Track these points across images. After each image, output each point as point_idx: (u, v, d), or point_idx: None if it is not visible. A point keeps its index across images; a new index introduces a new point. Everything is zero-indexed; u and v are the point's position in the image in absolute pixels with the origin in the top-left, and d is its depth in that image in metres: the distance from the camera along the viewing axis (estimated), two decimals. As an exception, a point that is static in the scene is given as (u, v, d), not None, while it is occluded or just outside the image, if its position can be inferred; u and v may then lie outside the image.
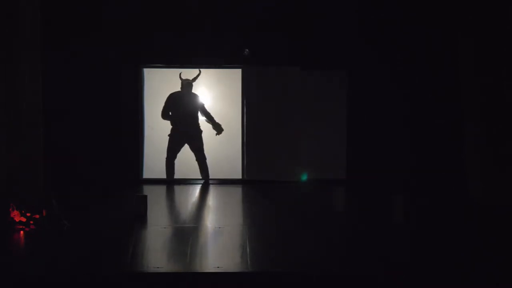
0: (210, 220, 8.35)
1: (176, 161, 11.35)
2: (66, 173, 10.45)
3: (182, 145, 11.34)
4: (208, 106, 11.39)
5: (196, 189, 10.80)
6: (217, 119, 11.39)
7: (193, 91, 11.35)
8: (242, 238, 7.36)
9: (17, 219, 7.58)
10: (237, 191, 10.86)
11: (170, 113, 11.27)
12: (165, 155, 11.28)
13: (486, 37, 9.24)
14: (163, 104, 11.30)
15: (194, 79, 11.31)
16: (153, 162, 11.36)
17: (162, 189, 10.75)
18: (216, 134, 11.36)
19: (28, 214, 7.64)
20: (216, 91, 11.44)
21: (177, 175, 11.36)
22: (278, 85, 11.38)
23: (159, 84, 11.37)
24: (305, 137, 11.36)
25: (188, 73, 11.32)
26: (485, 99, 9.34)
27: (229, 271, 6.06)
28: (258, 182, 11.23)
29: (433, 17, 10.67)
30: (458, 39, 9.83)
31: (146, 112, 11.35)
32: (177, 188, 10.91)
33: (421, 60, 10.91)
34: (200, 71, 11.28)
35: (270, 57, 11.25)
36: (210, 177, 11.37)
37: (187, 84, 11.28)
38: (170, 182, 11.24)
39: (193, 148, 11.33)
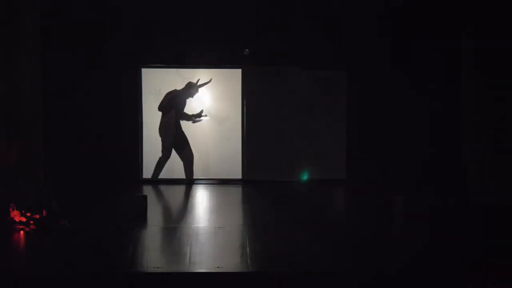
0: (210, 220, 8.35)
1: (177, 162, 11.40)
2: (66, 173, 10.45)
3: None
4: (208, 106, 11.41)
5: (196, 189, 10.80)
6: (217, 119, 11.42)
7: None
8: (242, 238, 7.36)
9: (17, 219, 7.58)
10: (237, 191, 10.86)
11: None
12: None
13: (488, 37, 9.25)
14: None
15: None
16: (153, 162, 11.36)
17: (162, 189, 10.75)
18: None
19: (28, 214, 7.65)
20: (216, 91, 11.45)
21: (176, 175, 11.38)
22: (278, 85, 11.38)
23: (160, 84, 11.36)
24: (305, 137, 11.36)
25: (186, 73, 11.37)
26: (485, 99, 9.34)
27: (229, 271, 6.06)
28: (258, 182, 11.23)
29: (435, 17, 10.67)
30: (461, 39, 9.83)
31: (145, 112, 11.36)
32: (176, 188, 10.91)
33: (421, 60, 10.91)
34: (197, 82, 11.36)
35: (270, 57, 11.25)
36: (211, 177, 11.38)
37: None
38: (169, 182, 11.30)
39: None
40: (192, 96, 11.35)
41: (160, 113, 11.34)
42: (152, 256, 6.59)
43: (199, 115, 11.34)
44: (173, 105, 11.32)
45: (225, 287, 5.95)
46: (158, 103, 11.34)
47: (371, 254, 6.66)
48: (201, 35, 11.04)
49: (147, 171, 11.37)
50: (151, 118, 11.36)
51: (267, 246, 6.92)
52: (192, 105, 11.40)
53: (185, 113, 11.34)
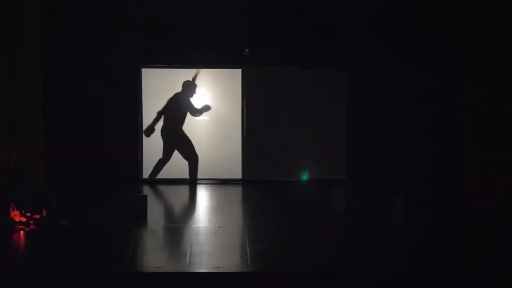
0: (210, 220, 8.35)
1: (177, 162, 11.43)
2: (66, 172, 10.45)
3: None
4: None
5: (196, 189, 10.80)
6: (217, 119, 11.43)
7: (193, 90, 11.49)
8: (242, 238, 7.36)
9: (17, 219, 7.58)
10: (237, 191, 10.86)
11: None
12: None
13: (488, 39, 9.26)
14: (161, 105, 11.38)
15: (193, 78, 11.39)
16: (153, 162, 11.36)
17: (162, 189, 10.75)
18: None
19: (28, 214, 7.65)
20: (216, 91, 11.44)
21: (176, 175, 11.38)
22: (278, 85, 11.38)
23: (161, 84, 11.36)
24: (305, 137, 11.37)
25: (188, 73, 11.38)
26: (485, 100, 9.35)
27: (229, 271, 6.06)
28: (258, 182, 11.23)
29: (435, 19, 10.67)
30: (461, 40, 9.82)
31: (145, 112, 11.35)
32: (176, 188, 10.91)
33: (421, 60, 10.91)
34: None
35: (270, 57, 11.25)
36: (211, 177, 11.38)
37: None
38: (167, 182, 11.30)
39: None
40: (194, 93, 11.33)
41: (162, 115, 11.35)
42: (152, 256, 6.60)
43: (202, 110, 11.35)
44: (175, 108, 11.32)
45: (225, 287, 5.95)
46: (158, 104, 11.36)
47: (371, 254, 6.66)
48: (201, 35, 11.05)
49: (147, 171, 11.38)
50: (151, 118, 11.36)
51: (267, 246, 6.91)
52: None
53: (196, 109, 11.33)
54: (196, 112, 11.34)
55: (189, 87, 11.34)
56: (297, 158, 11.35)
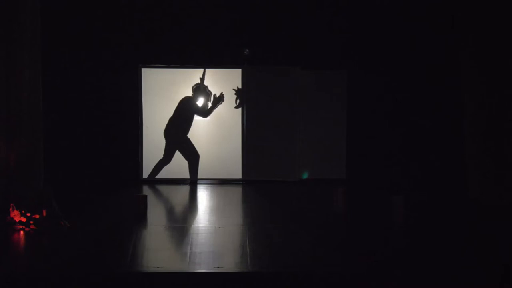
0: (210, 220, 8.35)
1: (177, 162, 11.42)
2: (66, 173, 10.46)
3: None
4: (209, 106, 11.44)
5: (196, 189, 10.80)
6: (217, 119, 11.43)
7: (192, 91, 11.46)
8: (242, 238, 7.36)
9: (17, 219, 7.58)
10: (237, 191, 10.86)
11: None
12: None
13: (488, 38, 9.26)
14: (161, 105, 11.36)
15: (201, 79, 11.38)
16: (153, 162, 11.35)
17: (162, 189, 10.75)
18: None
19: (28, 214, 7.65)
20: (216, 91, 11.44)
21: (176, 175, 11.38)
22: (278, 85, 11.39)
23: (161, 84, 11.36)
24: (305, 137, 11.37)
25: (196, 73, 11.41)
26: (485, 100, 9.34)
27: (229, 271, 6.07)
28: (258, 182, 11.23)
29: (435, 19, 10.68)
30: (461, 40, 9.83)
31: (145, 112, 11.35)
32: (176, 188, 10.91)
33: (421, 60, 10.91)
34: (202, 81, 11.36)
35: (270, 57, 11.26)
36: (211, 177, 11.38)
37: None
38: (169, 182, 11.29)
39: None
40: (206, 93, 11.30)
41: (167, 115, 11.34)
42: (152, 256, 6.59)
43: (217, 100, 11.31)
44: (183, 112, 11.32)
45: (225, 287, 5.95)
46: (158, 104, 11.35)
47: (371, 255, 6.66)
48: (201, 35, 11.05)
49: (147, 171, 11.38)
50: (151, 118, 11.36)
51: (267, 246, 6.91)
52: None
53: (205, 110, 11.32)
54: (207, 112, 11.32)
55: (198, 90, 11.32)
56: (297, 158, 11.35)
